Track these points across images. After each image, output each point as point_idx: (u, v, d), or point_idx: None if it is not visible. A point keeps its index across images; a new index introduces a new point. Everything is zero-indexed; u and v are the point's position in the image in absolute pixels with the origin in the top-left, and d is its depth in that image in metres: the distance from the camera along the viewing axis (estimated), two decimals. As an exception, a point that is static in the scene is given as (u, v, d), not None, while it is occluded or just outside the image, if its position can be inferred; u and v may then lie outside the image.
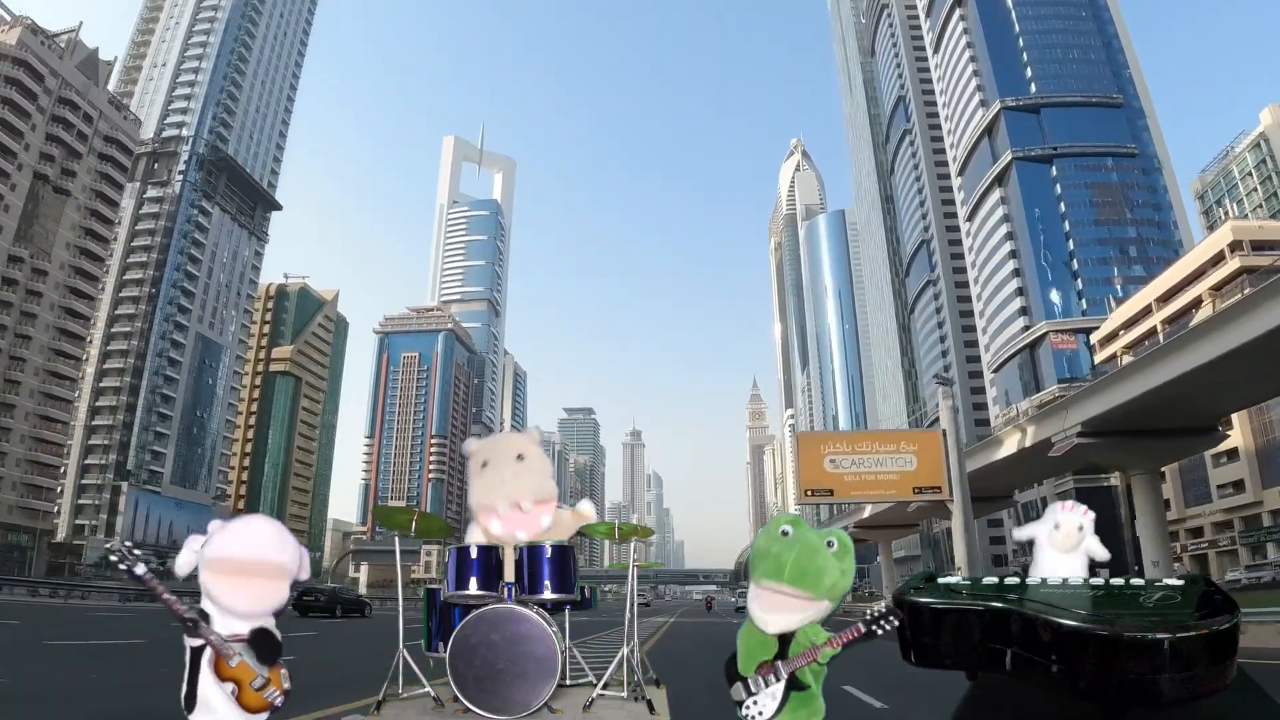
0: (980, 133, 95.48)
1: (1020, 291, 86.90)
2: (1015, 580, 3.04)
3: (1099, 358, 71.97)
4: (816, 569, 2.88)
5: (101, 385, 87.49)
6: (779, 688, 2.85)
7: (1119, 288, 78.82)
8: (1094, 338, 75.22)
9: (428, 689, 4.30)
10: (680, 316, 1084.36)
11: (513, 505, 4.33)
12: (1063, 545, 3.42)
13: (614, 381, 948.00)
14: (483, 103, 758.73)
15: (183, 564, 2.97)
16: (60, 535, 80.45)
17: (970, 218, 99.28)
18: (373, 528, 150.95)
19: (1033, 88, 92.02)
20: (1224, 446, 53.16)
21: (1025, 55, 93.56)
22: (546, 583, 4.20)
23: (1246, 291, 26.94)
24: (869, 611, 2.83)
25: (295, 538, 3.03)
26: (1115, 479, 76.39)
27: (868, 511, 69.47)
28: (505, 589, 4.19)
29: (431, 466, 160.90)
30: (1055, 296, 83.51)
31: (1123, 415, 31.19)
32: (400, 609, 4.80)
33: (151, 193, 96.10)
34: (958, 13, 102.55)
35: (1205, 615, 2.54)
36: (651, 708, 4.22)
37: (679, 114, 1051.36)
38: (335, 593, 34.30)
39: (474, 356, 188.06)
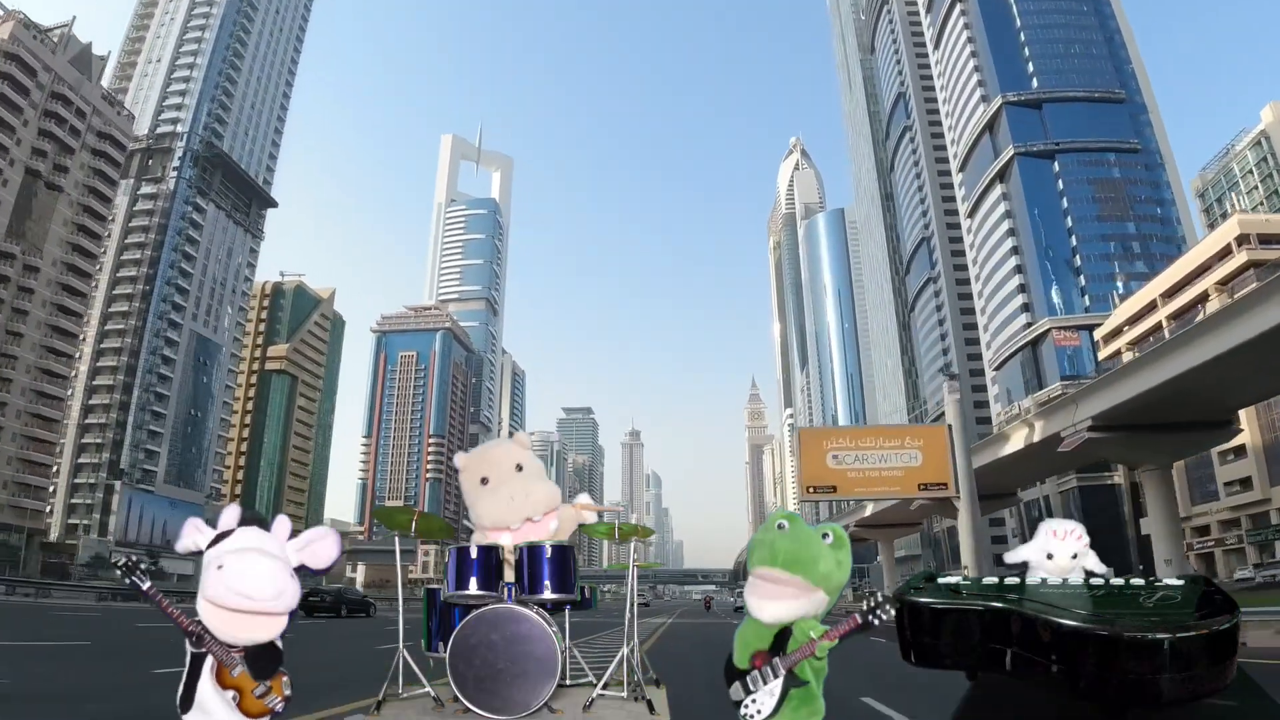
0: (981, 128, 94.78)
1: (1022, 288, 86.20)
2: (1015, 580, 3.04)
3: (1103, 354, 71.31)
4: (810, 556, 2.92)
5: (95, 383, 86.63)
6: (777, 684, 2.84)
7: (1122, 284, 78.15)
8: (1098, 334, 74.53)
9: (428, 689, 4.29)
10: (680, 316, 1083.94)
11: (525, 519, 4.44)
12: (1057, 574, 3.27)
13: (613, 381, 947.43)
14: (482, 102, 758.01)
15: (186, 542, 2.99)
16: (53, 535, 79.56)
17: (971, 214, 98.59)
18: (370, 527, 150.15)
19: (1034, 83, 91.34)
20: (1231, 443, 52.41)
21: (1027, 50, 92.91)
22: (546, 583, 4.21)
23: (1262, 282, 26.14)
24: (865, 603, 2.86)
25: (324, 535, 3.15)
26: (1118, 477, 75.74)
27: (869, 510, 68.72)
28: (505, 589, 4.21)
29: (429, 466, 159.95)
30: (1057, 293, 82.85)
31: (1134, 409, 30.40)
32: (400, 609, 4.77)
33: (146, 189, 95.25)
34: (959, 8, 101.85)
35: (1205, 615, 2.53)
36: (651, 708, 4.19)
37: (679, 113, 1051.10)
38: (340, 593, 35.04)
39: (472, 356, 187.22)
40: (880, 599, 2.87)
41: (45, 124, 75.93)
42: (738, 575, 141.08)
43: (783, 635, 2.94)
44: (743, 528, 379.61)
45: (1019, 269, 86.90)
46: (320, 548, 3.13)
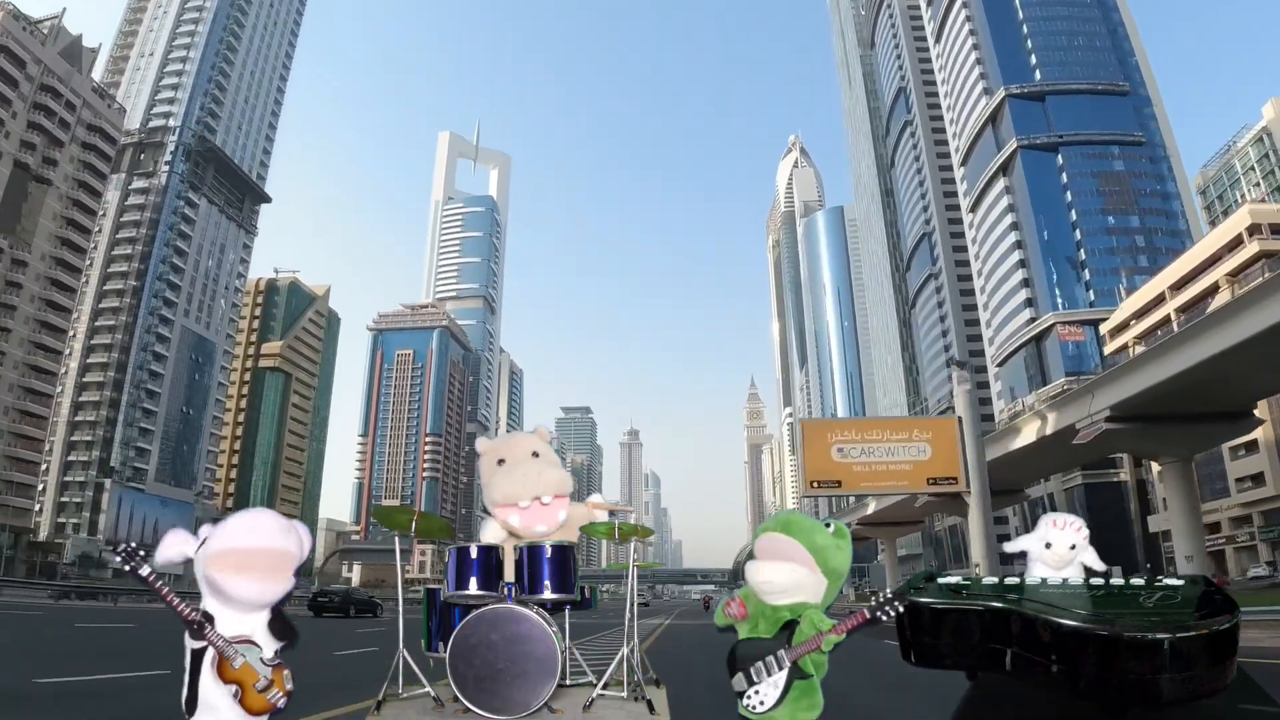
0: (984, 121, 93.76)
1: (1026, 283, 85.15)
2: (1015, 580, 3.02)
3: (1109, 349, 70.22)
4: (807, 526, 2.96)
5: (85, 380, 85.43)
6: (781, 676, 2.84)
7: (1126, 278, 77.00)
8: (1104, 328, 73.40)
9: (428, 689, 4.27)
10: (679, 316, 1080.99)
11: (534, 499, 4.46)
12: (1055, 565, 3.33)
13: (612, 381, 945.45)
14: (481, 101, 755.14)
15: (168, 552, 2.92)
16: (43, 534, 78.41)
17: (973, 208, 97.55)
18: (366, 527, 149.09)
19: (1037, 75, 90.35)
20: (1242, 439, 51.30)
21: (1029, 42, 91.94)
22: (546, 583, 4.20)
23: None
24: (874, 599, 2.84)
25: (299, 525, 3.10)
26: (1124, 474, 74.64)
27: (871, 507, 67.58)
28: (505, 589, 4.21)
29: (426, 465, 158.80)
30: (1061, 287, 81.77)
31: (1153, 399, 29.16)
32: (400, 609, 4.72)
33: (137, 184, 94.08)
34: (960, 0, 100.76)
35: (1205, 615, 2.51)
36: (651, 708, 4.16)
37: (678, 113, 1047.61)
38: (348, 593, 35.51)
39: (469, 354, 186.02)
40: (889, 595, 2.83)
41: (34, 116, 74.86)
42: (737, 575, 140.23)
43: (789, 626, 2.89)
44: (742, 527, 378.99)
45: (1022, 263, 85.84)
46: (303, 531, 3.12)
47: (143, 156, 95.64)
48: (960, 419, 33.82)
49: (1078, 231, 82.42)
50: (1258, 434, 52.24)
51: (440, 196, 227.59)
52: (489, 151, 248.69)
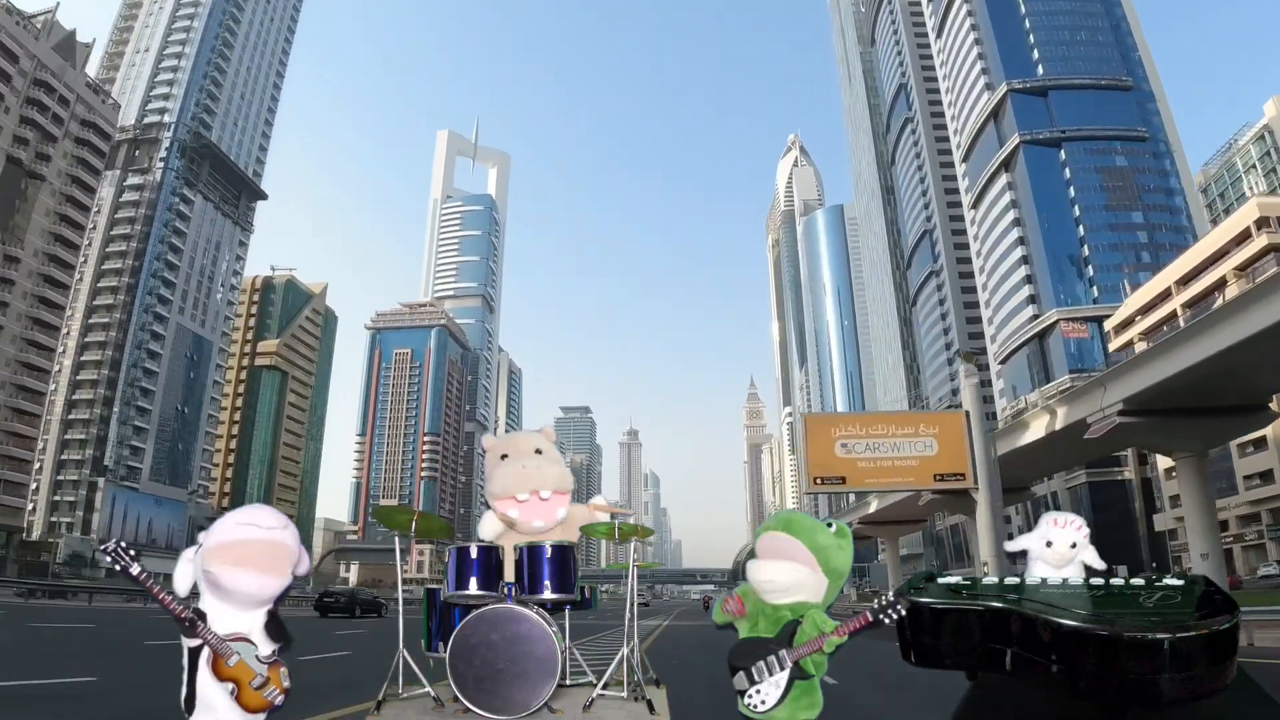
0: (986, 117, 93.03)
1: (1028, 279, 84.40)
2: (1015, 580, 3.01)
3: (1114, 345, 69.51)
4: (808, 525, 2.99)
5: (79, 378, 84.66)
6: (783, 676, 2.85)
7: (1131, 274, 76.23)
8: (1108, 324, 72.64)
9: (428, 689, 4.23)
10: (679, 316, 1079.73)
11: (533, 493, 4.49)
12: (1055, 563, 3.33)
13: (612, 381, 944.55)
14: (481, 101, 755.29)
15: (182, 578, 2.93)
16: (36, 533, 77.62)
17: (975, 205, 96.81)
18: (364, 527, 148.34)
19: (1040, 70, 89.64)
20: (1250, 436, 50.54)
21: (1032, 37, 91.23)
22: (546, 583, 4.20)
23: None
24: (876, 601, 2.85)
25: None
26: (1129, 472, 73.96)
27: (873, 506, 66.80)
28: (505, 589, 4.21)
29: (424, 464, 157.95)
30: (1064, 284, 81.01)
31: (1168, 392, 28.28)
32: (400, 609, 4.72)
33: (132, 180, 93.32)
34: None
35: (1205, 615, 2.52)
36: (651, 708, 4.12)
37: (678, 113, 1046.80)
38: (353, 594, 35.63)
39: (468, 353, 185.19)
40: (891, 598, 2.83)
41: (27, 111, 74.10)
42: (736, 575, 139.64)
43: (790, 627, 2.89)
44: (741, 527, 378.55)
45: (1025, 259, 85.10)
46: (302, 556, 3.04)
47: (138, 153, 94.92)
48: (967, 413, 33.02)
49: (1081, 227, 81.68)
50: (1267, 431, 51.43)
51: (439, 195, 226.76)
52: (488, 150, 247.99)
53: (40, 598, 32.46)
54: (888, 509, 62.82)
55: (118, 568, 2.77)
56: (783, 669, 2.84)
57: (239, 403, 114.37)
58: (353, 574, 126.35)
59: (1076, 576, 3.19)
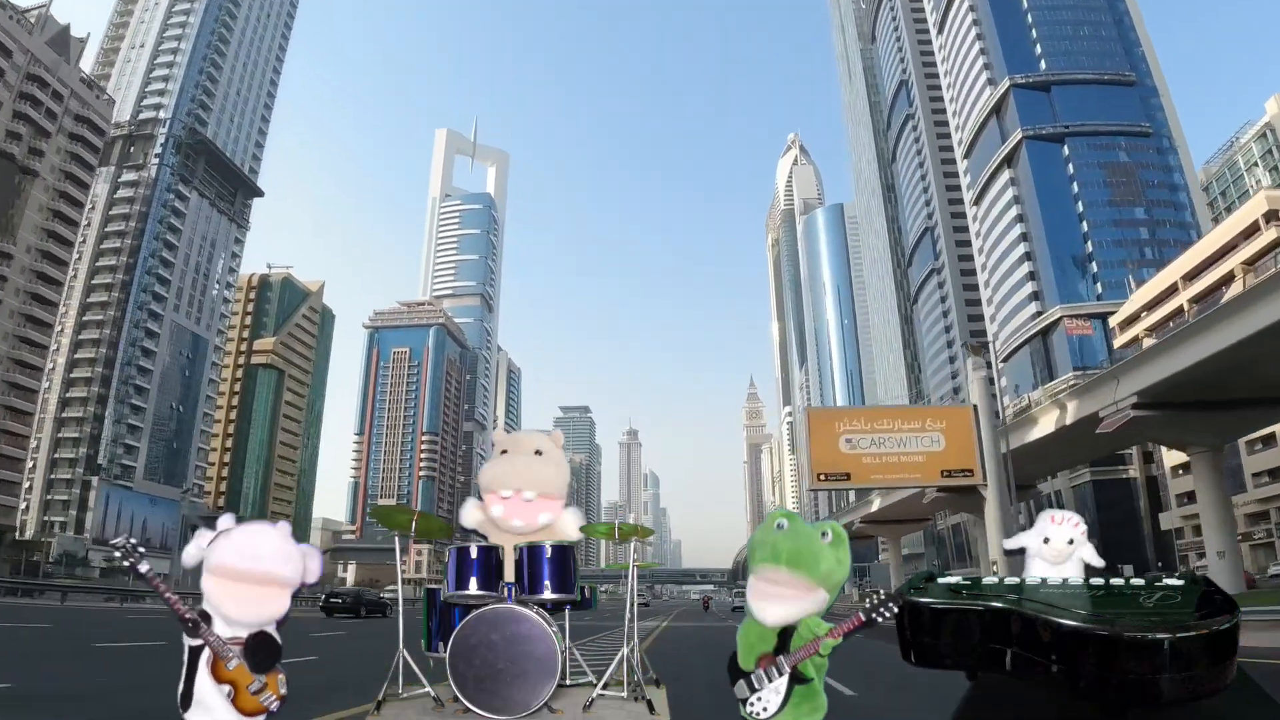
0: (988, 112, 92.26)
1: (1032, 276, 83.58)
2: (1015, 580, 3.02)
3: (1118, 342, 68.66)
4: (812, 554, 2.93)
5: (73, 375, 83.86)
6: (782, 682, 2.85)
7: (1135, 271, 75.44)
8: (1113, 320, 71.85)
9: (428, 689, 4.24)
10: (679, 316, 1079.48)
11: (516, 492, 4.43)
12: (1053, 559, 3.33)
13: (611, 381, 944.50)
14: (480, 99, 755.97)
15: (190, 555, 2.96)
16: (29, 532, 76.79)
17: (977, 201, 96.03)
18: (362, 526, 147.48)
19: (1042, 64, 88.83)
20: (1259, 433, 49.75)
21: (1034, 32, 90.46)
22: (546, 583, 4.20)
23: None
24: (869, 600, 2.86)
25: (313, 551, 3.04)
26: (1133, 470, 73.19)
27: (876, 505, 65.99)
28: (505, 589, 4.19)
29: (422, 464, 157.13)
30: (1068, 280, 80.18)
31: (1184, 383, 27.44)
32: (400, 609, 4.72)
33: (127, 176, 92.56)
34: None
35: (1205, 615, 2.53)
36: (651, 708, 4.13)
37: (678, 112, 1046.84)
38: (359, 595, 36.03)
39: (466, 352, 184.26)
40: (884, 596, 2.83)
41: (20, 106, 73.55)
42: (736, 575, 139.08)
43: (786, 633, 2.92)
44: (741, 527, 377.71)
45: (1028, 255, 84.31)
46: (312, 562, 3.00)
47: (132, 149, 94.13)
48: (975, 407, 32.21)
49: (1084, 223, 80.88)
50: (1276, 427, 50.73)
51: (437, 193, 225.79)
52: (487, 148, 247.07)
53: (16, 596, 32.01)
54: (890, 507, 62.01)
55: (127, 564, 2.79)
56: (781, 674, 2.83)
57: (235, 401, 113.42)
58: (350, 574, 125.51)
59: (1076, 575, 3.17)
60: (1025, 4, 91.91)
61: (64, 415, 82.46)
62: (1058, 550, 3.30)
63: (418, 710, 4.10)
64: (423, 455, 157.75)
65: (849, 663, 11.18)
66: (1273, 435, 53.29)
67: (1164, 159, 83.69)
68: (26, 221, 73.49)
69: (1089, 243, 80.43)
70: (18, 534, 73.97)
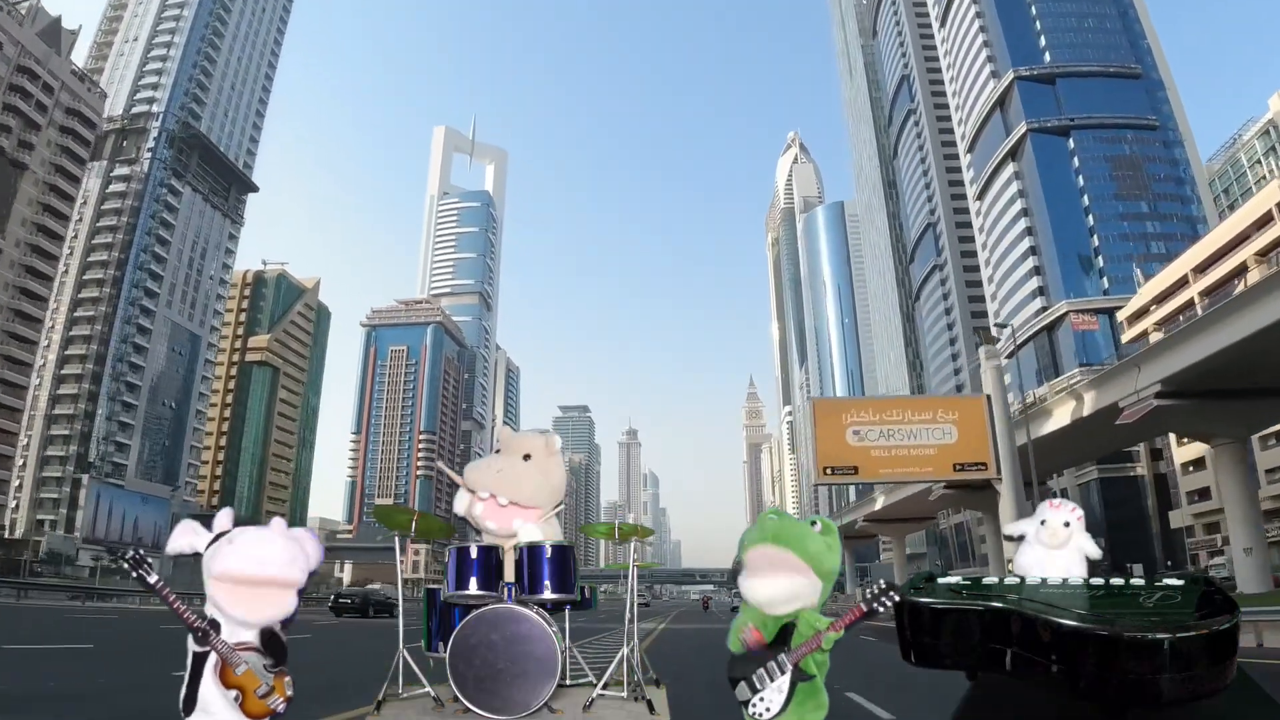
0: (992, 105, 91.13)
1: (1036, 270, 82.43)
2: (1015, 580, 3.02)
3: (1126, 337, 67.51)
4: (799, 533, 2.96)
5: (63, 372, 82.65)
6: (785, 681, 2.81)
7: (1142, 264, 74.26)
8: (1121, 315, 70.66)
9: (428, 689, 4.24)
10: (679, 316, 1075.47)
11: (491, 496, 4.40)
12: (1049, 543, 3.30)
13: (611, 381, 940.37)
14: (479, 98, 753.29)
15: (174, 545, 2.97)
16: (19, 530, 75.58)
17: (981, 196, 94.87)
18: (359, 526, 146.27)
19: (1047, 57, 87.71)
20: (1273, 428, 48.47)
21: (1038, 24, 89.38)
22: (546, 583, 4.19)
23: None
24: (868, 591, 2.86)
25: (309, 535, 3.04)
26: (1141, 468, 72.00)
27: (880, 503, 64.76)
28: (505, 589, 4.19)
29: (420, 463, 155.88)
30: (1073, 275, 79.01)
31: (1210, 371, 26.17)
32: (400, 609, 4.73)
33: (119, 170, 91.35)
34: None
35: (1205, 615, 2.54)
36: (651, 708, 4.14)
37: (678, 112, 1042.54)
38: (366, 595, 36.08)
39: (464, 351, 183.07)
40: (883, 585, 2.80)
41: (10, 98, 72.59)
42: (736, 575, 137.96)
43: (786, 632, 2.89)
44: (741, 527, 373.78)
45: (1032, 250, 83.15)
46: (311, 548, 3.00)
47: (125, 143, 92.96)
48: (989, 397, 30.99)
49: (1090, 217, 79.74)
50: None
51: (435, 191, 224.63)
52: (485, 146, 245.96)
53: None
54: (895, 505, 60.80)
55: (134, 575, 2.83)
56: (783, 673, 2.79)
57: (229, 399, 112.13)
58: (346, 574, 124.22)
59: (1074, 566, 3.14)
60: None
61: (54, 412, 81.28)
62: (1054, 532, 3.24)
63: (418, 710, 4.11)
64: (420, 454, 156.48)
65: (850, 662, 10.99)
66: (1286, 430, 52.09)
67: (1170, 152, 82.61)
68: (15, 215, 72.45)
69: (1095, 237, 79.30)
70: (7, 532, 72.82)
